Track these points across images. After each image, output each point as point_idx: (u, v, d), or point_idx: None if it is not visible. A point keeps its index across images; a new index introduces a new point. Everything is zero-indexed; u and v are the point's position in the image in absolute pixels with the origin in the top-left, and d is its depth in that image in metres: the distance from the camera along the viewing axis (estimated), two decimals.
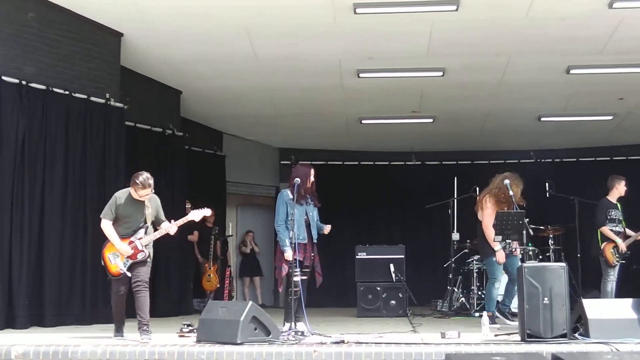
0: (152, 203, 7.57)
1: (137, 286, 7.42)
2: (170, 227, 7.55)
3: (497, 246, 9.28)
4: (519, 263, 9.64)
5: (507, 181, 9.31)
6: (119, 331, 7.51)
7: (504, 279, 11.10)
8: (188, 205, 12.04)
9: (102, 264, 7.51)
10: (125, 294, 7.50)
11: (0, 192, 8.68)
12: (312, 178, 8.21)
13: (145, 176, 7.41)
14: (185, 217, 7.69)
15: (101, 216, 7.52)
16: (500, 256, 9.29)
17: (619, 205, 10.11)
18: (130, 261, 7.41)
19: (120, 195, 7.54)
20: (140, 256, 7.42)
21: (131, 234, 7.45)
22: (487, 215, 9.43)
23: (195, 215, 7.75)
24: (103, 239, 7.55)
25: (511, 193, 9.11)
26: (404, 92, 12.49)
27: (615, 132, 14.72)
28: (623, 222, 10.13)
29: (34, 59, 9.18)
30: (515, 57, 10.92)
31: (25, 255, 8.79)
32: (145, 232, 7.51)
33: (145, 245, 7.46)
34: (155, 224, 7.62)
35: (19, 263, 8.72)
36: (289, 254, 7.85)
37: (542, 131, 14.73)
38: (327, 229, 8.32)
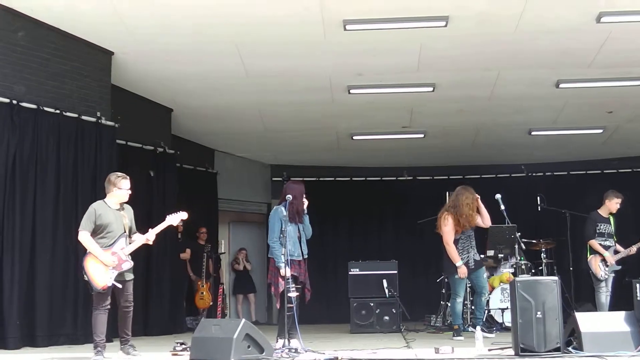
0: (127, 213, 7.55)
1: (128, 307, 7.42)
2: (148, 235, 7.48)
3: (458, 262, 9.45)
4: (484, 275, 9.82)
5: (498, 195, 9.41)
6: (99, 353, 7.13)
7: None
8: (180, 223, 12.02)
9: (85, 278, 7.25)
10: (109, 309, 7.30)
11: None
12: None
13: (117, 173, 7.58)
14: (163, 223, 7.60)
15: (80, 229, 7.36)
16: (462, 272, 9.49)
17: (611, 219, 10.11)
18: (116, 272, 7.26)
19: (98, 206, 7.43)
20: (125, 266, 7.31)
21: (112, 245, 7.31)
22: (446, 233, 9.63)
23: (172, 219, 7.64)
24: (85, 253, 7.35)
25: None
26: (395, 107, 12.52)
27: (606, 145, 14.78)
28: (614, 237, 10.13)
29: (24, 77, 9.15)
30: (505, 71, 10.96)
31: (16, 274, 8.73)
32: (126, 242, 7.40)
33: (128, 255, 7.37)
34: (129, 235, 7.55)
35: (10, 283, 8.66)
36: (285, 271, 7.84)
37: (532, 145, 14.77)
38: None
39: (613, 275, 9.99)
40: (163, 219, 7.67)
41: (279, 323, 8.10)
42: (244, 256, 15.42)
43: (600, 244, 9.94)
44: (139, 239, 7.50)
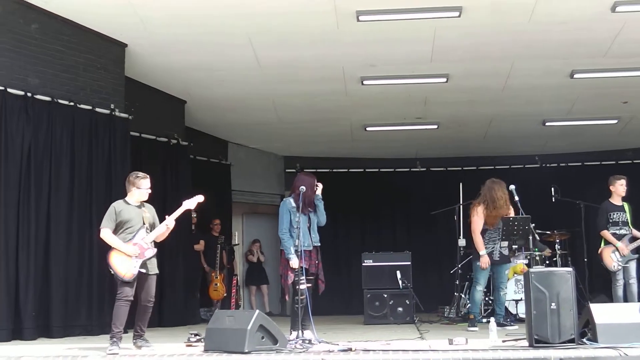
0: (149, 209, 7.62)
1: (149, 302, 7.49)
2: (168, 223, 7.50)
3: (481, 251, 9.48)
4: (506, 272, 9.79)
5: (512, 186, 9.39)
6: (115, 344, 7.13)
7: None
8: (194, 215, 12.06)
9: (111, 272, 7.35)
10: (130, 302, 7.36)
11: (7, 203, 8.68)
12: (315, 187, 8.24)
13: (138, 172, 7.60)
14: (180, 209, 7.63)
15: (101, 227, 7.47)
16: (484, 261, 9.59)
17: (626, 207, 9.84)
18: (140, 260, 7.36)
19: (117, 204, 7.54)
20: (147, 253, 7.40)
21: (132, 238, 7.40)
22: (474, 222, 9.82)
23: (189, 204, 7.68)
24: (108, 249, 7.46)
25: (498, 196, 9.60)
26: (408, 98, 12.49)
27: (620, 136, 14.70)
28: (630, 224, 9.84)
29: (38, 70, 9.20)
30: (519, 62, 10.91)
31: (32, 266, 8.80)
32: (146, 232, 7.47)
33: (150, 242, 7.45)
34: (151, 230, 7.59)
35: (26, 274, 8.73)
36: (294, 262, 7.86)
37: (546, 136, 14.71)
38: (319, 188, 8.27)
39: (635, 262, 9.64)
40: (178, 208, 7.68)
41: (291, 315, 8.12)
42: (258, 247, 15.46)
43: (614, 233, 9.67)
44: (159, 228, 7.54)
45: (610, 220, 9.78)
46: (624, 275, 9.65)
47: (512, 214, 9.58)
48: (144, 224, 7.50)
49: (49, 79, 9.31)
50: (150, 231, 7.53)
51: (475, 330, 9.26)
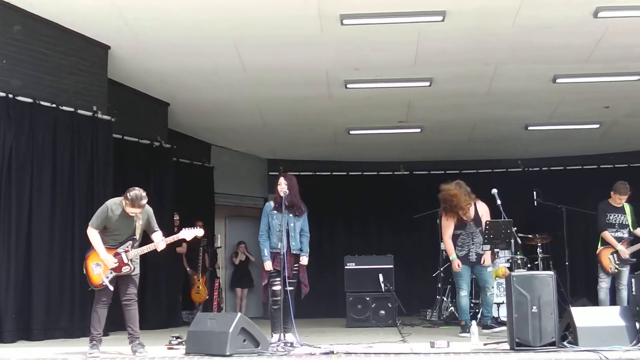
0: (142, 215, 7.37)
1: (129, 300, 7.31)
2: (158, 244, 7.38)
3: (451, 255, 9.53)
4: (488, 270, 9.71)
5: (494, 190, 9.39)
6: (95, 347, 7.11)
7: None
8: (176, 217, 12.02)
9: (84, 272, 7.30)
10: (109, 304, 7.29)
11: None
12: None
13: (136, 193, 7.16)
14: (176, 235, 7.56)
15: (89, 224, 7.34)
16: (454, 264, 9.55)
17: (627, 208, 9.65)
18: (114, 274, 7.23)
19: (113, 207, 7.30)
20: (124, 270, 7.25)
21: (117, 246, 7.28)
22: (443, 227, 9.73)
23: (187, 234, 7.63)
24: (89, 248, 7.37)
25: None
26: (392, 102, 12.51)
27: (602, 140, 14.79)
28: (631, 226, 9.63)
29: (20, 72, 9.13)
30: (502, 66, 10.96)
31: (12, 268, 8.73)
32: (133, 246, 7.33)
33: (131, 260, 7.28)
34: (148, 233, 7.46)
35: (6, 276, 8.66)
36: (267, 265, 8.00)
37: (529, 140, 14.78)
38: (303, 260, 8.30)
39: (627, 268, 9.51)
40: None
41: (270, 318, 8.16)
42: (243, 249, 15.44)
43: (611, 236, 9.51)
44: (147, 246, 7.38)
45: (607, 222, 9.62)
46: (615, 280, 9.56)
47: (480, 208, 9.56)
48: (133, 234, 7.33)
49: (31, 80, 9.25)
50: (138, 239, 7.38)
51: (467, 336, 9.10)
